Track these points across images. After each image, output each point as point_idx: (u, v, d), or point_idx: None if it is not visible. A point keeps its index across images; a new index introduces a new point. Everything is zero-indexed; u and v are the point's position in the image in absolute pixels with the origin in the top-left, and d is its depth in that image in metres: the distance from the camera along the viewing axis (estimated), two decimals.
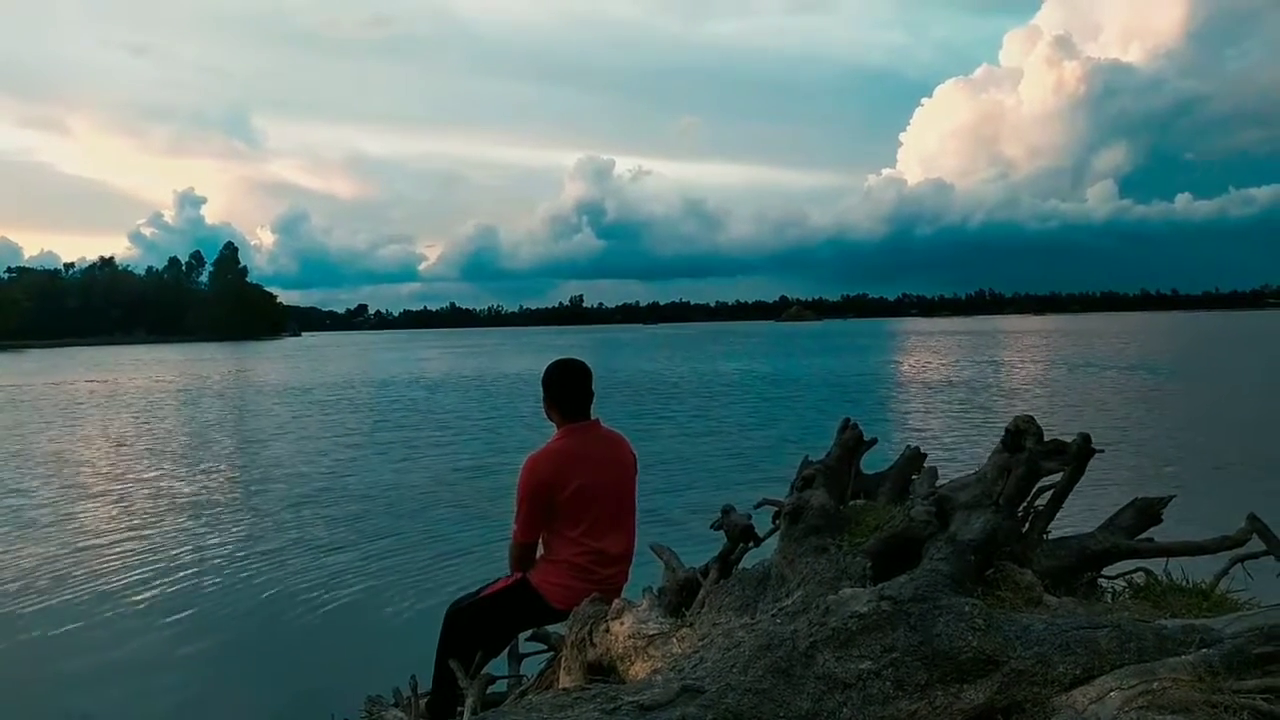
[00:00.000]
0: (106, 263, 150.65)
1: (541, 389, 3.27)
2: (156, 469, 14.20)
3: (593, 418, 3.28)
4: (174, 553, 8.59)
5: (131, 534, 9.43)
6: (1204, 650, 1.55)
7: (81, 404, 27.57)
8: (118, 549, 8.74)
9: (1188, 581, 2.40)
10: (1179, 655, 1.55)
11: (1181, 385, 25.57)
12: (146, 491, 12.08)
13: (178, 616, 6.74)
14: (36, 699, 5.42)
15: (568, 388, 3.23)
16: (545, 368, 3.29)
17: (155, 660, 5.93)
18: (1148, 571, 2.50)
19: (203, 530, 9.60)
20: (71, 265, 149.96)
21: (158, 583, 7.58)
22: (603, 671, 2.42)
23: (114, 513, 10.67)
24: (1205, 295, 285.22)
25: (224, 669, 5.88)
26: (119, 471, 13.96)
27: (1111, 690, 1.49)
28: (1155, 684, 1.47)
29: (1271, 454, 12.42)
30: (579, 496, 3.12)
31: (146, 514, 10.51)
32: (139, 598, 7.20)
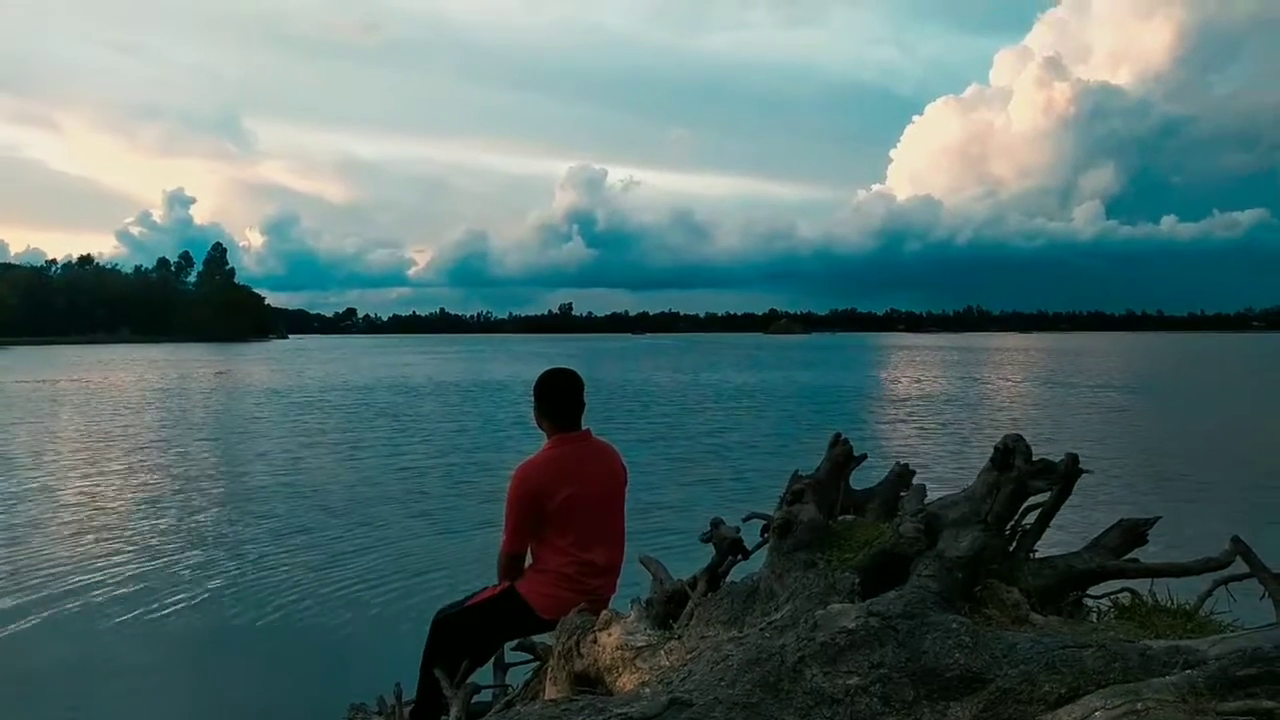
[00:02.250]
0: (85, 260, 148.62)
1: (533, 398, 3.28)
2: (122, 470, 13.90)
3: (584, 428, 3.29)
4: (146, 558, 8.38)
5: (97, 539, 9.13)
6: (1188, 671, 1.56)
7: (50, 404, 27.10)
8: (86, 556, 8.41)
9: (1172, 602, 2.42)
10: (1163, 676, 1.56)
11: (1167, 407, 25.78)
12: (111, 493, 11.80)
13: (153, 624, 6.58)
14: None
15: (559, 397, 3.23)
16: (537, 377, 3.31)
17: (132, 667, 5.81)
18: (1133, 592, 2.51)
19: (176, 534, 9.41)
20: (54, 262, 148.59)
21: (130, 587, 7.39)
22: (589, 683, 2.42)
23: (72, 514, 10.29)
24: (1190, 316, 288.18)
25: (203, 677, 5.78)
26: (77, 473, 13.52)
27: (1096, 710, 1.50)
28: (1139, 704, 1.48)
29: (1255, 476, 12.53)
30: (568, 506, 3.12)
31: (113, 517, 10.24)
32: (114, 606, 6.96)
